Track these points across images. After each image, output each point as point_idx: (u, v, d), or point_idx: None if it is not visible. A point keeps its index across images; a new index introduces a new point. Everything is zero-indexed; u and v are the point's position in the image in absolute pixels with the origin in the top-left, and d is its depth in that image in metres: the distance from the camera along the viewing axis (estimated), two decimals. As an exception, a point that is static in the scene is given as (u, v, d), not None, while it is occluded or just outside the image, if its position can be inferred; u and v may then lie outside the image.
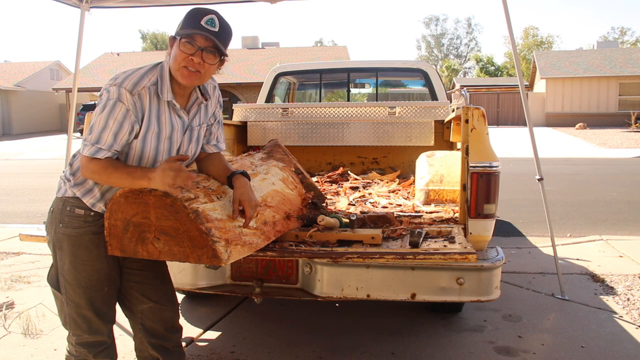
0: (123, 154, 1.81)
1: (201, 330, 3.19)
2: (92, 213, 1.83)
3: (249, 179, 1.95)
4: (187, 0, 4.48)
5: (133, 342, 2.06)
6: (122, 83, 1.73)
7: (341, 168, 4.25)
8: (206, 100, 1.95)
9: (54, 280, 1.91)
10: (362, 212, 2.70)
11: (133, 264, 1.93)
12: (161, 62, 1.85)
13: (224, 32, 1.77)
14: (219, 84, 2.06)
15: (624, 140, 18.43)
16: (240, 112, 4.39)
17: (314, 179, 3.62)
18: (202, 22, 1.73)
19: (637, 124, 22.99)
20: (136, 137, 1.78)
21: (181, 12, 1.82)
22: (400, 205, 3.06)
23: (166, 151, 1.85)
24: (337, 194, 3.46)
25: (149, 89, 1.77)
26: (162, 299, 1.99)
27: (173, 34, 1.79)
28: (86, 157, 1.73)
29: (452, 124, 3.65)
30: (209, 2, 4.50)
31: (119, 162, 1.77)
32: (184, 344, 2.22)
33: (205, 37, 1.72)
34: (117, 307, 2.00)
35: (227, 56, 1.80)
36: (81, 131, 17.06)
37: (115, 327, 2.04)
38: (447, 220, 2.57)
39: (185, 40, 1.72)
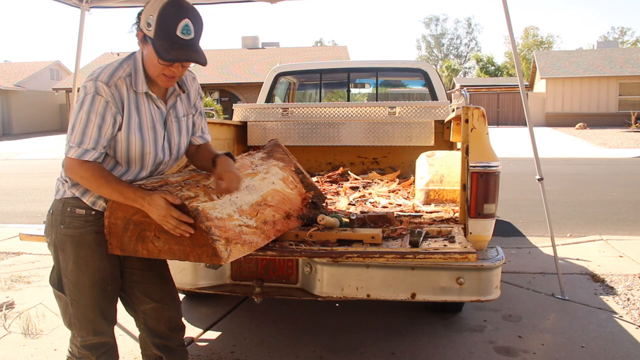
0: (111, 149, 1.79)
1: (201, 330, 3.19)
2: (93, 212, 1.83)
3: (234, 161, 1.97)
4: None
5: (133, 342, 2.06)
6: (98, 77, 1.73)
7: (341, 168, 4.25)
8: (183, 91, 1.95)
9: (57, 282, 1.91)
10: (362, 212, 2.70)
11: (134, 264, 1.93)
12: (134, 53, 1.83)
13: (198, 33, 1.73)
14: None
15: (624, 140, 18.43)
16: (240, 112, 4.39)
17: (314, 179, 3.62)
18: (178, 33, 1.68)
19: (637, 124, 22.98)
20: (119, 128, 1.77)
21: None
22: (400, 205, 3.06)
23: (152, 141, 1.84)
24: (337, 193, 3.46)
25: (124, 79, 1.77)
26: (164, 299, 1.99)
27: (142, 30, 1.72)
28: (73, 160, 1.71)
29: (452, 123, 3.65)
30: (206, 2, 4.49)
31: (109, 174, 1.75)
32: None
33: (183, 49, 1.70)
34: (118, 307, 2.00)
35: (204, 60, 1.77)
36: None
37: (115, 327, 2.04)
38: (447, 220, 2.57)
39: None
